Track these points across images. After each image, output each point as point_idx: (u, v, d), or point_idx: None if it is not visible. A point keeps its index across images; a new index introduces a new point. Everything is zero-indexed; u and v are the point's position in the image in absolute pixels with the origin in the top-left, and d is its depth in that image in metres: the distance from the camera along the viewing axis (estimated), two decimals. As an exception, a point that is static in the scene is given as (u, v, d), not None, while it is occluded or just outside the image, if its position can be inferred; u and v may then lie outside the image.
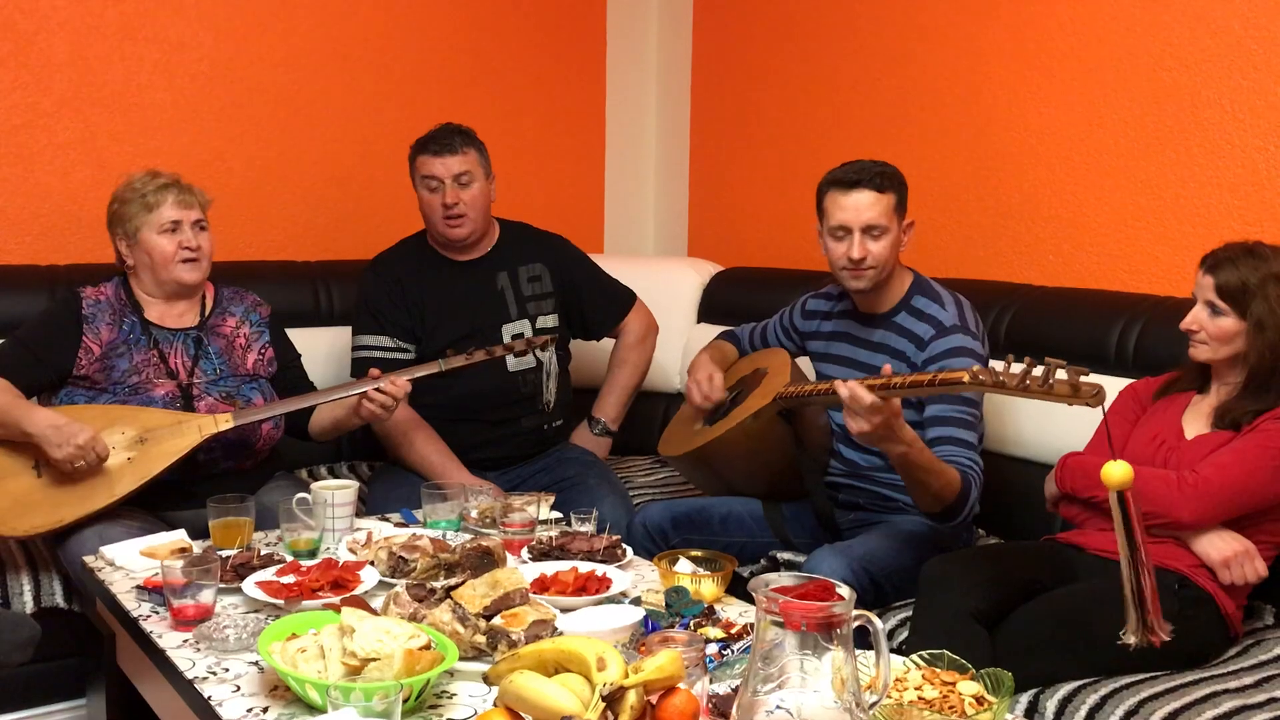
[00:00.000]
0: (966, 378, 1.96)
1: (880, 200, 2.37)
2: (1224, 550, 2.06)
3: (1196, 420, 2.20)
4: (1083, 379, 1.80)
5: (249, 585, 1.96)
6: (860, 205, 2.36)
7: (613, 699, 1.41)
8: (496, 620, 1.79)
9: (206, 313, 2.69)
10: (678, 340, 3.49)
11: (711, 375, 2.66)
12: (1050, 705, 1.90)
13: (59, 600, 2.46)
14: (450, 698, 1.63)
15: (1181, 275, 2.67)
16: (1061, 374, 1.82)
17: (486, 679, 1.60)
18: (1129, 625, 1.72)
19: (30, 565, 2.50)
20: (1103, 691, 1.89)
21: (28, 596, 2.44)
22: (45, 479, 2.42)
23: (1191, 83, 2.68)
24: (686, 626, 1.84)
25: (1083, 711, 1.86)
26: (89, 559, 2.23)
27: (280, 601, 1.90)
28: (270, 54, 3.42)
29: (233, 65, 3.36)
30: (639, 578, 2.14)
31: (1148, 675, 1.95)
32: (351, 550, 2.20)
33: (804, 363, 2.71)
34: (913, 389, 2.05)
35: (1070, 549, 2.24)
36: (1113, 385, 2.42)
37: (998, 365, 1.94)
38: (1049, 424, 2.58)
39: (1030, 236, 3.03)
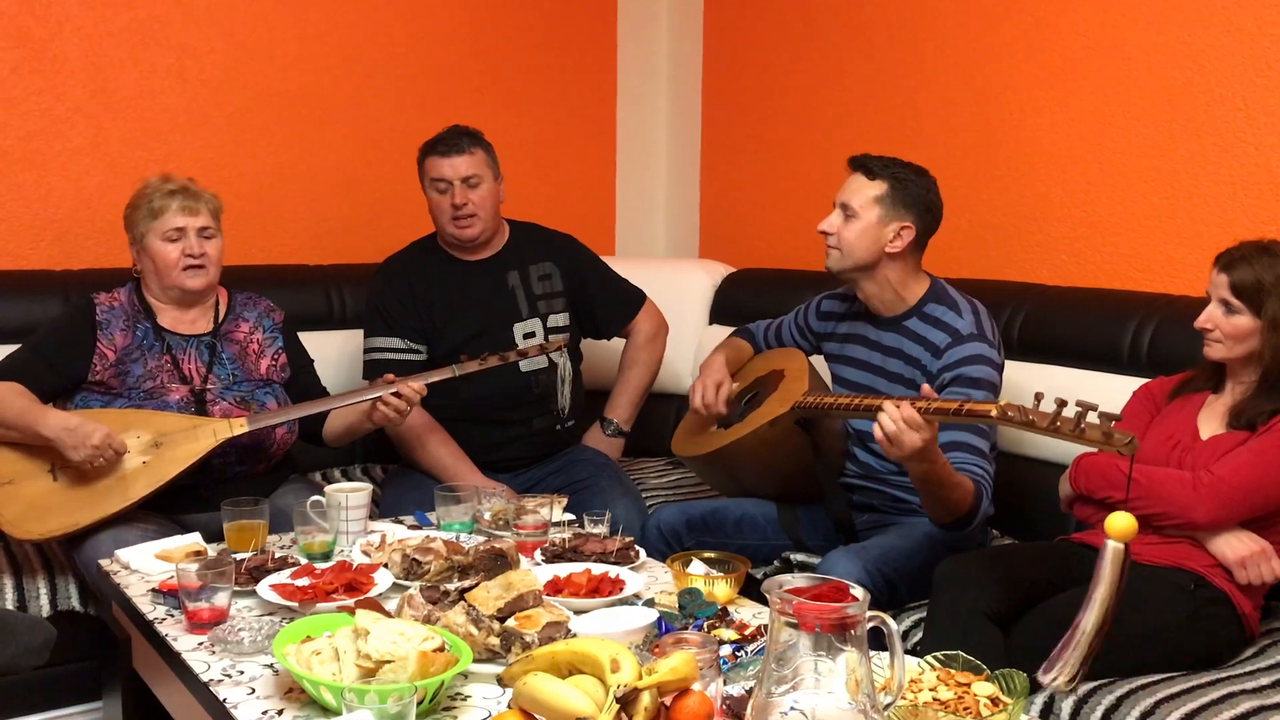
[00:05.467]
0: (994, 412, 1.94)
1: (868, 186, 2.42)
2: (1240, 550, 2.05)
3: (1211, 420, 2.19)
4: (1114, 425, 1.79)
5: (263, 588, 1.97)
6: (849, 186, 2.45)
7: (627, 701, 1.41)
8: (510, 622, 1.79)
9: (220, 319, 2.70)
10: (689, 342, 3.49)
11: (720, 384, 2.63)
12: (1065, 706, 1.89)
13: (75, 603, 2.48)
14: (464, 700, 1.63)
15: (1195, 274, 2.66)
16: (1093, 418, 1.79)
17: (500, 681, 1.60)
18: (1062, 665, 1.67)
19: (46, 569, 2.51)
20: (1119, 692, 1.89)
21: (44, 600, 2.45)
22: (61, 482, 2.43)
23: (1205, 80, 2.67)
24: (700, 628, 1.84)
25: (1099, 712, 1.86)
26: (104, 562, 2.24)
27: (295, 604, 1.91)
28: (281, 59, 3.43)
29: (244, 70, 3.38)
30: (652, 580, 2.14)
31: (1164, 676, 1.94)
32: (365, 553, 2.20)
33: (818, 362, 2.70)
34: (938, 415, 2.03)
35: (1085, 549, 2.22)
36: (1126, 385, 2.41)
37: (1027, 403, 1.92)
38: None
39: (1042, 236, 3.02)
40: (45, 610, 2.45)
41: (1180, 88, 2.71)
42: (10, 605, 2.42)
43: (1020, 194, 3.06)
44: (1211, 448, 2.13)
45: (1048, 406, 1.86)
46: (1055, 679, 1.63)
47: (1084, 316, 2.69)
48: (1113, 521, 1.61)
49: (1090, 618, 1.62)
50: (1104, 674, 1.95)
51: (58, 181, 3.16)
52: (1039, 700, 1.91)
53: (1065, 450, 2.46)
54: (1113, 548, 1.61)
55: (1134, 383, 2.40)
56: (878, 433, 2.05)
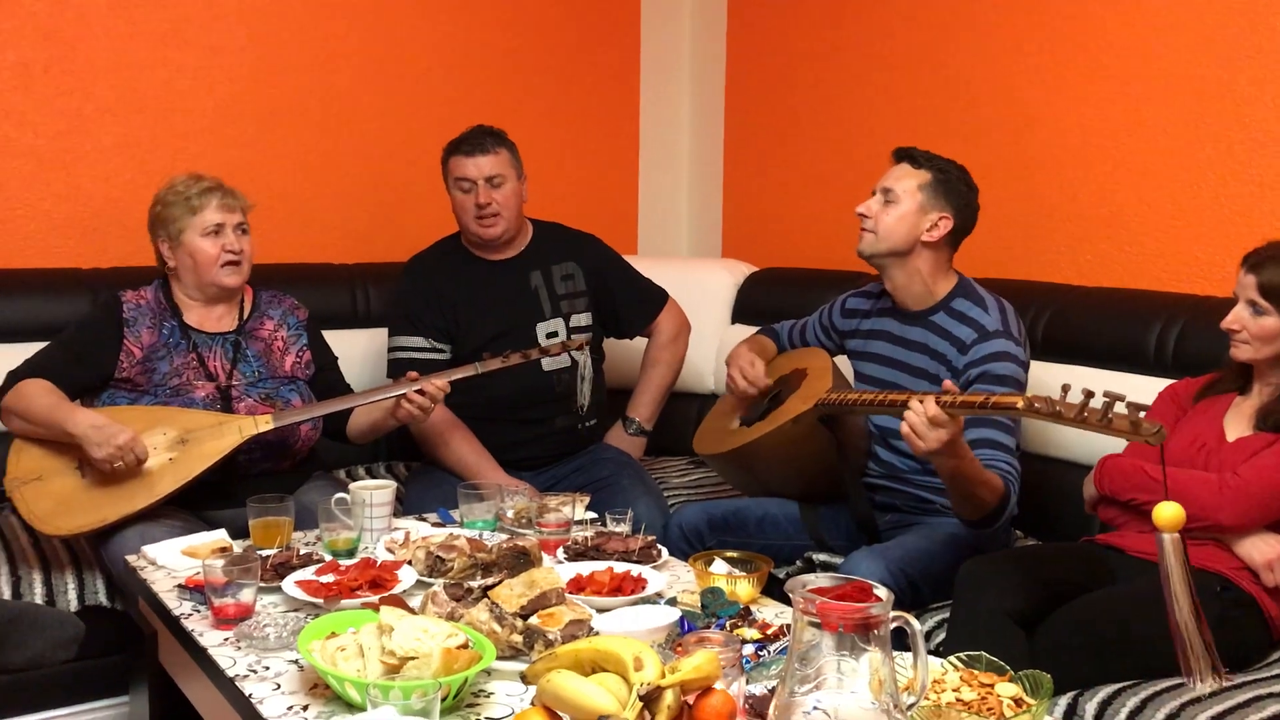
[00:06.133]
0: (1021, 404, 1.93)
1: (913, 174, 2.43)
2: (1267, 553, 2.04)
3: (1238, 422, 2.17)
4: (1142, 415, 1.78)
5: (289, 584, 1.98)
6: (892, 173, 2.46)
7: (650, 699, 1.41)
8: (533, 620, 1.79)
9: (245, 316, 2.71)
10: (711, 341, 3.49)
11: (754, 361, 2.66)
12: (1089, 708, 1.88)
13: (102, 599, 2.50)
14: (488, 696, 1.64)
15: (1222, 274, 2.64)
16: (1121, 408, 1.78)
17: (524, 678, 1.60)
18: (1199, 671, 1.67)
19: (74, 564, 2.53)
20: (1143, 694, 1.88)
21: (72, 595, 2.48)
22: (88, 479, 2.45)
23: (1233, 79, 2.65)
24: (722, 627, 1.84)
25: (1123, 715, 1.85)
26: (131, 558, 2.26)
27: (319, 600, 1.92)
28: (307, 58, 3.45)
29: (270, 70, 3.40)
30: (674, 578, 2.14)
31: (1189, 678, 1.93)
32: (389, 550, 2.21)
33: (842, 362, 2.70)
34: (964, 409, 2.02)
35: (1109, 551, 2.22)
36: (1152, 386, 2.40)
37: (1054, 394, 1.91)
38: (1088, 425, 2.56)
39: (1068, 236, 3.01)
40: (73, 605, 2.47)
41: (1208, 86, 2.69)
42: (39, 600, 2.45)
43: (1046, 193, 3.05)
44: (1238, 450, 2.12)
45: (1075, 398, 1.85)
46: (1200, 681, 1.64)
47: (1110, 316, 2.68)
48: (1160, 513, 1.62)
49: (1182, 610, 1.64)
50: (1129, 675, 1.94)
51: (86, 181, 3.18)
52: (1062, 701, 1.90)
53: (1090, 451, 2.44)
54: (1169, 539, 1.62)
55: (1159, 384, 2.39)
56: (904, 429, 2.05)
